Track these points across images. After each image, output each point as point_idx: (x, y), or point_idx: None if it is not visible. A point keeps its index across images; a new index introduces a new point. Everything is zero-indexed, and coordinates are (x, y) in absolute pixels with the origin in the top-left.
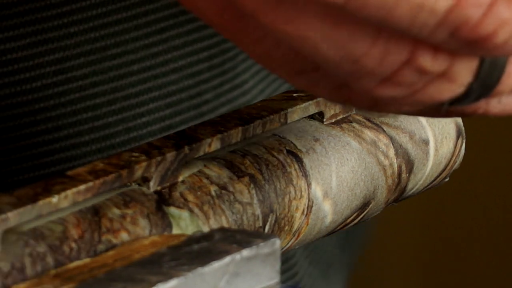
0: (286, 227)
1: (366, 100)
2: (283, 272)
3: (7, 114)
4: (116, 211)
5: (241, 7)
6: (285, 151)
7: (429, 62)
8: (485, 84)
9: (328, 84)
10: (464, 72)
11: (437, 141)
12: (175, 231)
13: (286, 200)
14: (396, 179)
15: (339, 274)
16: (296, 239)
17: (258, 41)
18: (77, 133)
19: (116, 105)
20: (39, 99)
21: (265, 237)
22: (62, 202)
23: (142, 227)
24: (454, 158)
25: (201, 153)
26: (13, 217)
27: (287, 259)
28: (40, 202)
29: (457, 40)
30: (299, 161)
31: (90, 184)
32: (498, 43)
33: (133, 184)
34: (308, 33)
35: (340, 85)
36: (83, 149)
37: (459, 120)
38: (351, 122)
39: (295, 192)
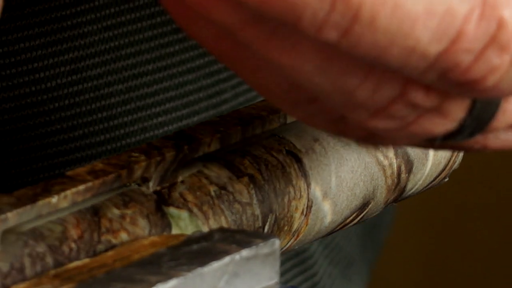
0: (286, 227)
1: (362, 134)
2: (301, 272)
3: (22, 113)
4: (116, 211)
5: (237, 36)
6: (284, 151)
7: (421, 98)
8: (478, 120)
9: (325, 117)
10: (457, 108)
11: None
12: (175, 231)
13: (286, 200)
14: (395, 179)
15: (360, 273)
16: (296, 239)
17: (255, 71)
18: (92, 133)
19: (131, 105)
20: (54, 99)
21: (265, 237)
22: (62, 202)
23: (142, 227)
24: (453, 158)
25: (201, 153)
26: (13, 217)
27: (305, 259)
28: (40, 202)
29: (447, 82)
30: (299, 161)
31: (90, 184)
32: (488, 87)
33: (133, 184)
34: (301, 65)
35: (336, 118)
36: (98, 149)
37: None
38: None
39: (295, 192)
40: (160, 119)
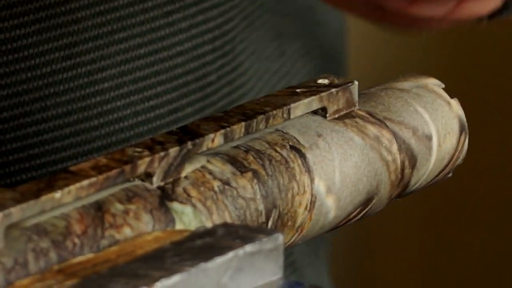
0: (289, 223)
1: (403, 20)
2: None
3: (17, 100)
4: (119, 207)
5: None
6: (288, 147)
7: None
8: None
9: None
10: None
11: (440, 137)
12: (178, 226)
13: (289, 195)
14: (399, 175)
15: (325, 251)
16: (299, 234)
17: None
18: (86, 117)
19: (124, 89)
20: (49, 85)
21: (268, 232)
22: (65, 197)
23: (145, 222)
24: (457, 153)
25: (204, 148)
26: (16, 212)
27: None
28: (43, 198)
29: None
30: (302, 156)
31: (93, 179)
32: None
33: (136, 179)
34: None
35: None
36: (93, 133)
37: (462, 116)
38: (354, 117)
39: (298, 188)
40: (151, 102)
